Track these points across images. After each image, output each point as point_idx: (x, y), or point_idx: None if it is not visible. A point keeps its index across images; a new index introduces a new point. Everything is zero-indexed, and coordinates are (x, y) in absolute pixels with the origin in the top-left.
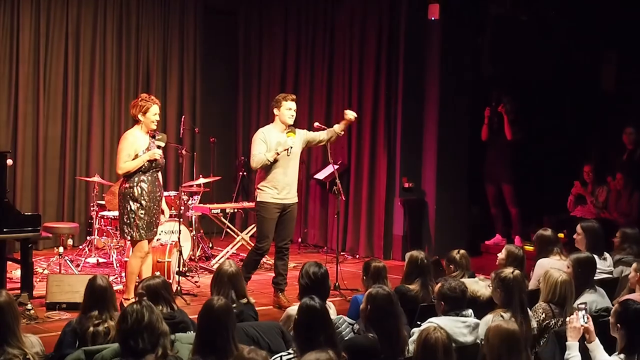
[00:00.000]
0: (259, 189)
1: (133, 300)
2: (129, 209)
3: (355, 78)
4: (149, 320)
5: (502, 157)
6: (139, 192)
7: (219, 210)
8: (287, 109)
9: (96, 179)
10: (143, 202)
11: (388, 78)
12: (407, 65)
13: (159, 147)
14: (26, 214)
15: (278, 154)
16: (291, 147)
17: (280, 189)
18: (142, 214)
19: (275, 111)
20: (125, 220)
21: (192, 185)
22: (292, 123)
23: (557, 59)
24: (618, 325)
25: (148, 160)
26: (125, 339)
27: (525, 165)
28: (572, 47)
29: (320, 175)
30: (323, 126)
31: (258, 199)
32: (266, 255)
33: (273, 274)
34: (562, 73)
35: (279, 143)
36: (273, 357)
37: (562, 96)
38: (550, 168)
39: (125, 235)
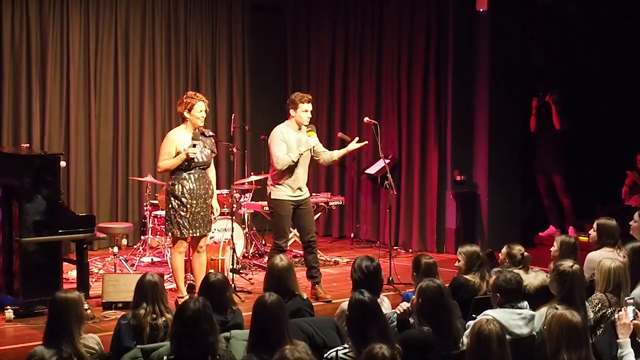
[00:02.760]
0: (273, 186)
1: (187, 297)
2: (170, 206)
3: (404, 72)
4: (202, 319)
5: (552, 147)
6: (180, 189)
7: None
8: (304, 111)
9: (148, 178)
10: (184, 199)
11: (437, 71)
12: (456, 58)
13: (193, 145)
14: (80, 214)
15: (301, 154)
16: (313, 147)
17: (295, 187)
18: (182, 211)
19: (292, 112)
20: (167, 217)
21: (243, 183)
22: (307, 124)
23: (606, 47)
24: None
25: (187, 160)
26: (178, 337)
27: (576, 155)
28: (620, 35)
29: (372, 170)
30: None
31: (273, 197)
32: (319, 251)
33: (330, 271)
34: (611, 61)
35: (299, 141)
36: (329, 352)
37: (611, 84)
38: (602, 157)
39: (167, 231)
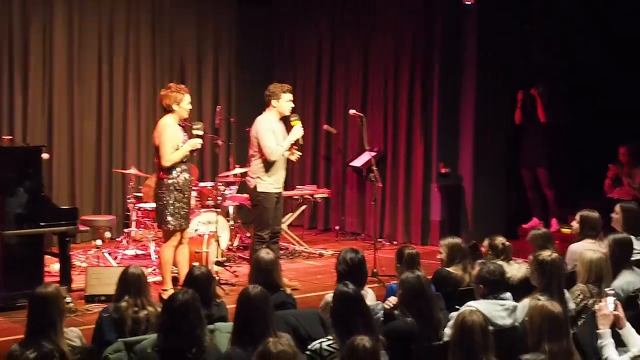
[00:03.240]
0: (260, 178)
1: (172, 290)
2: (173, 199)
3: (391, 65)
4: (190, 311)
5: (537, 140)
6: (183, 181)
7: None
8: (287, 101)
9: (132, 171)
10: (185, 192)
11: (424, 63)
12: (443, 50)
13: (197, 136)
14: (63, 207)
15: (292, 144)
16: (302, 136)
17: (281, 180)
18: (184, 203)
19: (274, 102)
20: (170, 210)
21: (228, 176)
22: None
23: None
24: None
25: (190, 150)
26: (166, 329)
27: (561, 149)
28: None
29: (357, 163)
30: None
31: (260, 189)
32: (304, 244)
33: (315, 263)
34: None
35: (282, 130)
36: (313, 344)
37: (601, 79)
38: (586, 151)
39: (169, 225)
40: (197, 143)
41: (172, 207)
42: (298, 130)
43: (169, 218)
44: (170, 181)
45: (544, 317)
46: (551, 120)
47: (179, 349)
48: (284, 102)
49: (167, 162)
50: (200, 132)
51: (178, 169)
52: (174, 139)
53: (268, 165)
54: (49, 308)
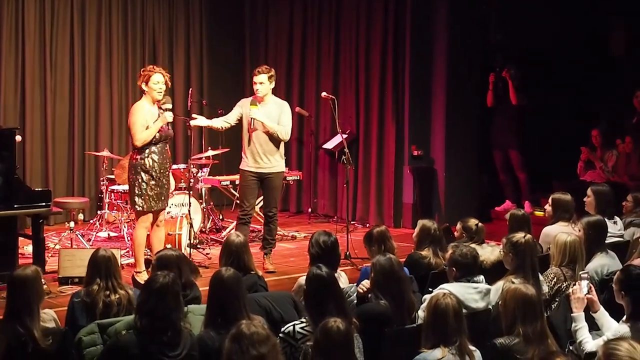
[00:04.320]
0: (241, 156)
1: (145, 272)
2: (140, 180)
3: (362, 46)
4: (169, 294)
5: (509, 123)
6: (150, 163)
7: (228, 182)
8: (254, 83)
9: (105, 153)
10: (154, 173)
11: (395, 46)
12: (414, 32)
13: (168, 109)
14: (36, 189)
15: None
16: (254, 119)
17: (257, 158)
18: (153, 185)
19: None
20: (137, 191)
21: (201, 158)
22: (261, 95)
23: (564, 25)
24: (622, 292)
25: (159, 132)
26: (142, 310)
27: (534, 131)
28: (577, 14)
29: (329, 145)
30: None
31: (240, 166)
32: (280, 227)
33: (288, 246)
34: (569, 40)
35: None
36: (286, 327)
37: (569, 62)
38: (559, 133)
39: (136, 206)
40: (167, 117)
41: (138, 189)
42: (251, 112)
43: (136, 199)
44: (137, 162)
45: (517, 300)
46: (522, 103)
47: (154, 331)
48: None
49: (137, 141)
50: (169, 105)
51: (147, 151)
52: (143, 119)
53: (245, 145)
54: (27, 290)
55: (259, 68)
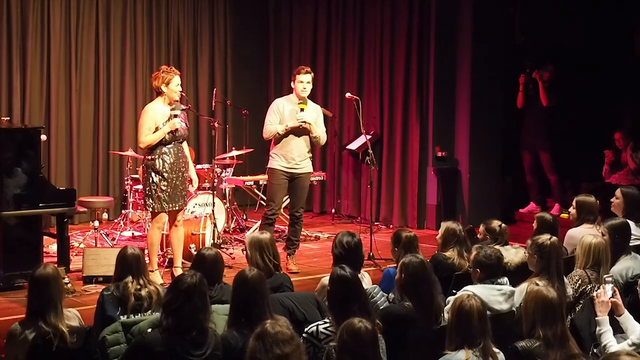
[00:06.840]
0: (270, 156)
1: (156, 271)
2: (150, 180)
3: (386, 47)
4: (196, 294)
5: (539, 124)
6: (161, 164)
7: (252, 182)
8: (299, 82)
9: (130, 152)
10: (165, 174)
11: (419, 47)
12: (439, 33)
13: (175, 115)
14: (61, 188)
15: (288, 128)
16: (304, 122)
17: (290, 158)
18: (164, 185)
19: (292, 84)
20: (147, 192)
21: (225, 158)
22: (305, 96)
23: (589, 26)
24: None
25: (169, 133)
26: (169, 309)
27: (563, 133)
28: (602, 15)
29: (353, 146)
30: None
31: (268, 165)
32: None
33: (311, 246)
34: (594, 40)
35: (293, 112)
36: (309, 327)
37: (595, 63)
38: (587, 135)
39: (147, 207)
40: (175, 123)
41: (148, 189)
42: (299, 115)
43: (147, 199)
44: (149, 163)
45: (537, 302)
46: (552, 104)
47: (180, 330)
48: (297, 83)
49: (141, 143)
50: (177, 112)
51: (158, 152)
52: (151, 121)
53: (278, 144)
54: (49, 288)
55: (304, 67)
